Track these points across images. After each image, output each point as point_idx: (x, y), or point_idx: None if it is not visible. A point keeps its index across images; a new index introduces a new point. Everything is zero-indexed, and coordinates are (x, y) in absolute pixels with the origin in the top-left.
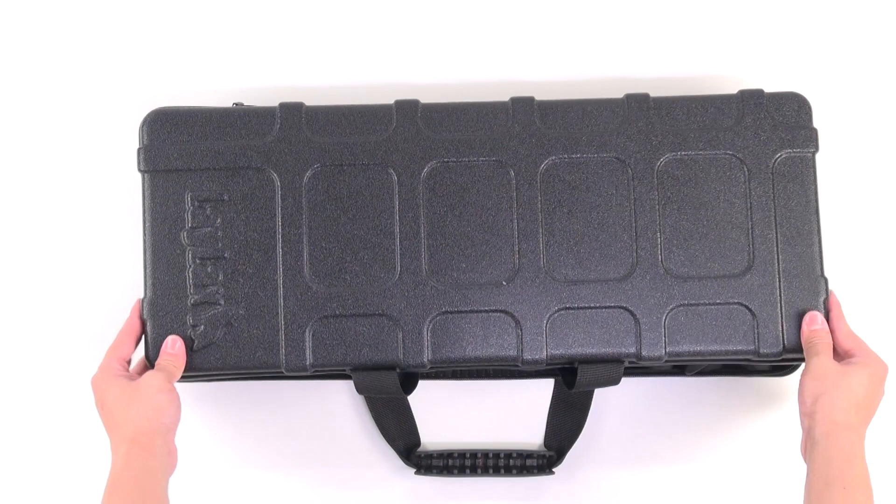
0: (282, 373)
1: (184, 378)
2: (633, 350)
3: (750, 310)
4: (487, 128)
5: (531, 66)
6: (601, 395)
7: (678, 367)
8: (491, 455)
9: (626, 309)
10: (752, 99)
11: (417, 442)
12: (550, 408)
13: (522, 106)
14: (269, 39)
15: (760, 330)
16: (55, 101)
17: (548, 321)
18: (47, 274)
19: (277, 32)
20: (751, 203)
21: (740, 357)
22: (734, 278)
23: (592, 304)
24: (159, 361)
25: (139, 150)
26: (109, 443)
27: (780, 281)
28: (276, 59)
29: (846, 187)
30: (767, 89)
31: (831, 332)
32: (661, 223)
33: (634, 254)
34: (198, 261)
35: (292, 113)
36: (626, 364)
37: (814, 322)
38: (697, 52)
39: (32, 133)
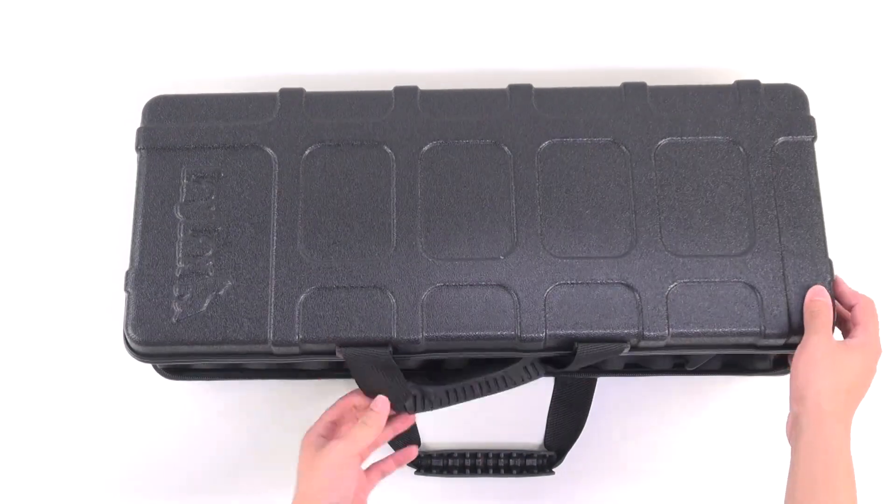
0: (270, 352)
1: (174, 370)
2: (635, 330)
3: (754, 288)
4: (485, 112)
5: (530, 56)
6: (601, 395)
7: (678, 365)
8: (491, 455)
9: (626, 285)
10: (748, 88)
11: (417, 442)
12: (550, 408)
13: (520, 92)
14: (270, 29)
15: (765, 309)
16: (56, 94)
17: (546, 296)
18: (45, 262)
19: (279, 22)
20: (751, 185)
21: (745, 341)
22: (736, 257)
23: (591, 280)
24: (358, 424)
25: (138, 129)
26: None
27: (784, 261)
28: (277, 49)
29: (844, 180)
30: (763, 81)
31: (837, 295)
32: (660, 202)
33: (634, 231)
34: (189, 232)
35: (293, 97)
36: (629, 349)
37: (819, 293)
38: (695, 44)
39: (31, 130)
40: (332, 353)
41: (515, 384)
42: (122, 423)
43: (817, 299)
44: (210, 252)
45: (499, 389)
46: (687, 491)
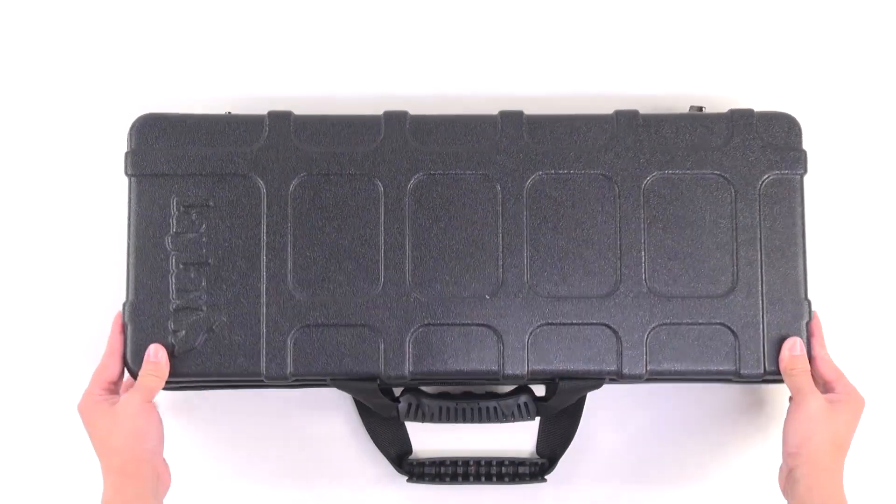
0: (262, 381)
1: (165, 385)
2: (614, 368)
3: (732, 331)
4: (475, 141)
5: (521, 80)
6: (593, 402)
7: None
8: (483, 462)
9: (608, 326)
10: (741, 119)
11: (409, 449)
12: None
13: (511, 120)
14: (259, 49)
15: (742, 351)
16: (45, 107)
17: (530, 336)
18: (31, 277)
19: (268, 43)
20: (736, 224)
21: (721, 377)
22: (717, 299)
23: (575, 321)
24: (140, 375)
25: (127, 153)
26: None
27: (763, 303)
28: (266, 69)
29: (835, 208)
30: (757, 108)
31: (812, 358)
32: (646, 242)
33: (618, 271)
34: (181, 266)
35: (281, 121)
36: (607, 381)
37: (794, 348)
38: (688, 70)
39: (22, 139)
40: (325, 382)
41: (506, 419)
42: None
43: (793, 356)
44: (203, 284)
45: (489, 420)
46: (679, 497)
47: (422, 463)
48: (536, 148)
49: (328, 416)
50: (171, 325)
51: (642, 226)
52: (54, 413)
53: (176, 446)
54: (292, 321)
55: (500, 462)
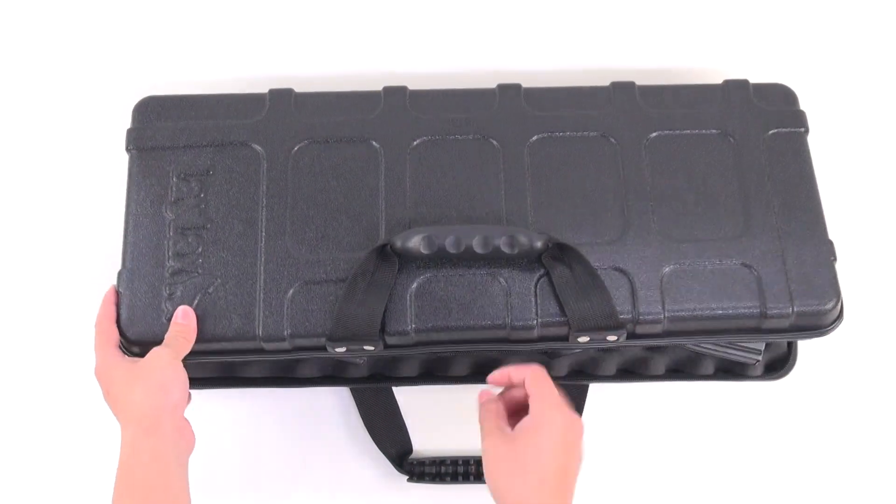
0: (261, 348)
1: None
2: (629, 315)
3: (751, 268)
4: (474, 109)
5: (519, 56)
6: (593, 401)
7: (671, 371)
8: None
9: (619, 269)
10: (737, 88)
11: (409, 449)
12: None
13: (509, 91)
14: (260, 30)
15: (765, 287)
16: (46, 94)
17: (537, 284)
18: (32, 259)
19: (268, 23)
20: (743, 172)
21: (747, 324)
22: (732, 240)
23: None
24: (170, 336)
25: (128, 130)
26: (120, 430)
27: (782, 241)
28: (266, 50)
29: (837, 177)
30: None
31: (508, 379)
32: (652, 190)
33: (625, 217)
34: (178, 230)
35: (282, 97)
36: (625, 337)
37: (485, 394)
38: (683, 44)
39: (24, 126)
40: (324, 349)
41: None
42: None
43: (482, 401)
44: (199, 250)
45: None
46: (681, 498)
47: (422, 462)
48: (535, 114)
49: (328, 416)
50: (165, 291)
51: (646, 176)
52: (57, 392)
53: None
54: (290, 279)
55: None
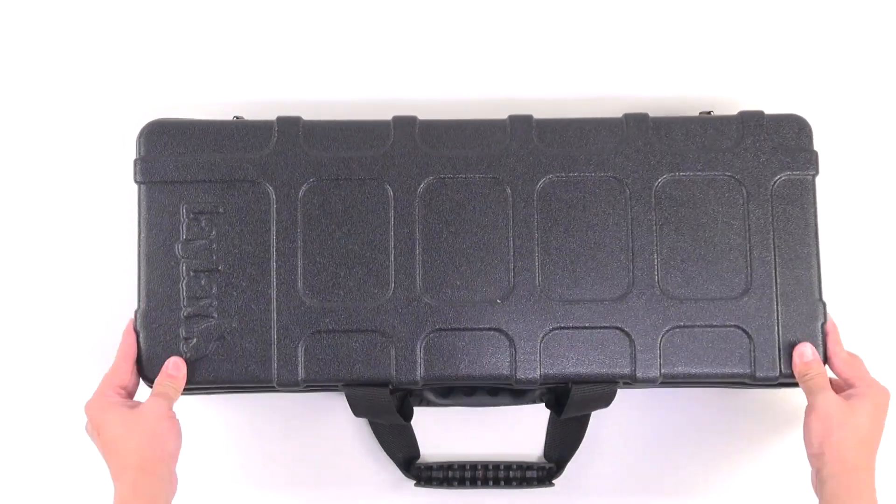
0: (274, 387)
1: None
2: (627, 371)
3: (747, 333)
4: (485, 145)
5: (530, 83)
6: None
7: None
8: (491, 467)
9: (621, 330)
10: (752, 120)
11: (417, 454)
12: (550, 419)
13: (520, 124)
14: (268, 53)
15: (757, 354)
16: (54, 112)
17: (542, 340)
18: (42, 284)
19: (277, 47)
20: (749, 225)
21: (736, 380)
22: (731, 301)
23: (587, 325)
24: (158, 385)
25: (136, 161)
26: (109, 470)
27: (777, 304)
28: (275, 73)
29: (846, 210)
30: (767, 111)
31: (829, 358)
32: (658, 244)
33: (631, 274)
34: (192, 273)
35: (289, 127)
36: (621, 385)
37: (804, 355)
38: (697, 72)
39: (30, 144)
40: (337, 387)
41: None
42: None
43: (805, 362)
44: (214, 291)
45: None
46: (688, 501)
47: (429, 467)
48: (546, 151)
49: (336, 420)
50: (182, 333)
51: (654, 228)
52: (65, 419)
53: (184, 449)
54: (303, 327)
55: (508, 466)
